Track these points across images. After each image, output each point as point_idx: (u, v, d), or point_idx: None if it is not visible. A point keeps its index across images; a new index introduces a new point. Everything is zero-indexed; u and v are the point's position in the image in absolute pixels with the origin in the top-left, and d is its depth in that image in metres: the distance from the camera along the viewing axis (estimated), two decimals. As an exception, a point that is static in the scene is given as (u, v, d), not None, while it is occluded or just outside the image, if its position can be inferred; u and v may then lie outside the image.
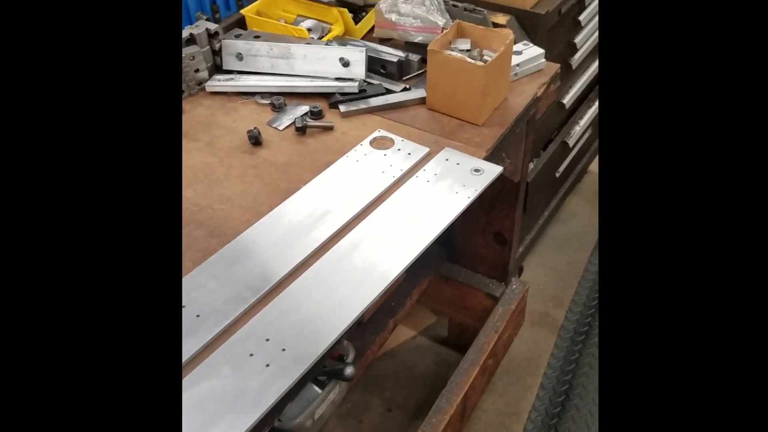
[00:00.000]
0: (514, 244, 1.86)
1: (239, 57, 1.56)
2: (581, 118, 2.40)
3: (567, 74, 2.13)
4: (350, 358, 1.48)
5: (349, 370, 1.40)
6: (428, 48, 1.36)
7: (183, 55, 1.49)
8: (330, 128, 1.43)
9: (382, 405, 2.20)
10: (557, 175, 2.46)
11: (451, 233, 2.01)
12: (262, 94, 1.54)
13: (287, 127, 1.44)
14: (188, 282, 1.06)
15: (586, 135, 2.53)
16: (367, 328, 1.77)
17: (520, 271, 2.59)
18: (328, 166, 1.32)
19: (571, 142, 2.34)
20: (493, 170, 1.25)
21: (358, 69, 1.48)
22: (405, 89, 1.51)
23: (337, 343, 0.97)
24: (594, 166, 3.15)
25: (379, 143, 1.37)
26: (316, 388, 1.48)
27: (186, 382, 0.90)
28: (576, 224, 2.96)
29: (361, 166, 1.30)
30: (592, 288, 2.68)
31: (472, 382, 1.74)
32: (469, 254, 2.00)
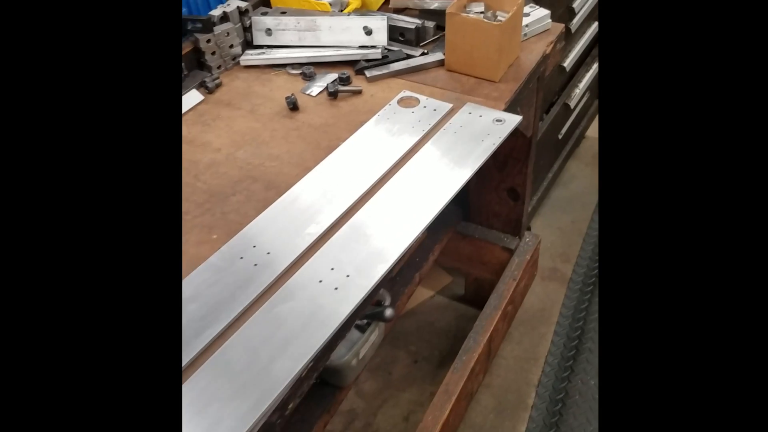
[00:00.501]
0: (526, 198, 2.00)
1: (268, 32, 1.69)
2: (580, 81, 2.54)
3: (567, 38, 2.26)
4: (387, 303, 1.62)
5: (388, 312, 1.54)
6: (447, 11, 1.49)
7: (218, 31, 1.62)
8: (359, 92, 1.56)
9: (408, 357, 2.35)
10: (560, 137, 2.60)
11: (466, 193, 2.15)
12: (293, 65, 1.66)
13: (320, 93, 1.57)
14: (254, 227, 1.19)
15: (585, 98, 2.66)
16: (396, 281, 1.91)
17: (528, 230, 2.74)
18: (362, 125, 1.45)
19: (572, 104, 2.48)
20: (513, 119, 1.39)
21: (381, 36, 1.61)
22: (423, 54, 1.64)
23: (375, 290, 1.09)
24: (591, 132, 3.29)
25: (406, 102, 1.50)
26: (359, 332, 1.62)
27: (270, 302, 1.03)
28: (577, 186, 3.10)
29: (392, 123, 1.43)
30: (596, 244, 2.84)
31: (495, 325, 1.89)
32: (484, 212, 2.14)
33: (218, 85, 1.61)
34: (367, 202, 1.24)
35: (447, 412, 1.62)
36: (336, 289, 1.06)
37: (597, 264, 2.67)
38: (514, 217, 2.06)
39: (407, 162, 1.32)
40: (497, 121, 1.39)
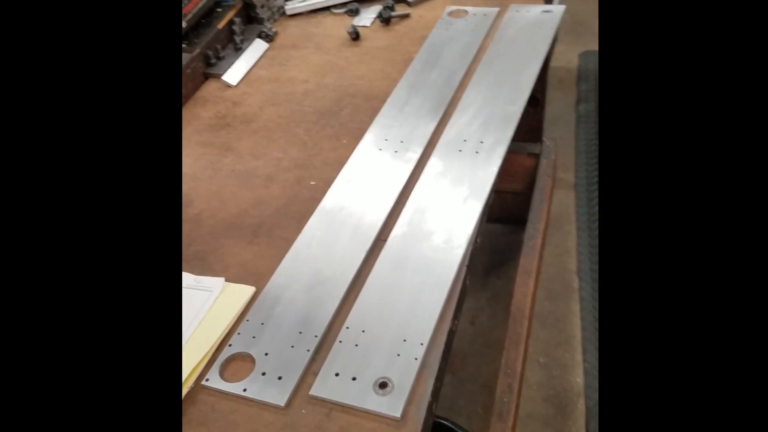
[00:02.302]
0: (545, 103, 2.23)
1: (305, -19, 1.82)
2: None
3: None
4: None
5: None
6: (477, -70, 1.68)
7: (264, -15, 1.74)
8: (407, 16, 1.73)
9: (456, 276, 2.54)
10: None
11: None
12: (335, 6, 1.81)
13: (372, 22, 1.73)
14: (378, 123, 1.34)
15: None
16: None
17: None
18: (424, 39, 1.62)
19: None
20: (560, 8, 1.60)
21: (415, -36, 1.78)
22: (452, -24, 1.83)
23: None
24: (555, 62, 3.58)
25: (456, 14, 1.68)
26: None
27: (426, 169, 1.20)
28: (554, 108, 3.38)
29: (453, 32, 1.61)
30: (587, 153, 3.12)
31: (546, 215, 2.11)
32: (504, 126, 2.35)
33: (275, 34, 1.74)
34: (464, 91, 1.42)
35: (531, 287, 1.83)
36: (477, 153, 1.24)
37: (595, 169, 2.94)
38: (535, 123, 2.28)
39: (483, 57, 1.51)
40: (545, 12, 1.59)
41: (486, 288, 2.47)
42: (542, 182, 2.21)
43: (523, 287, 1.84)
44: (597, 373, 2.10)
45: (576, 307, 2.32)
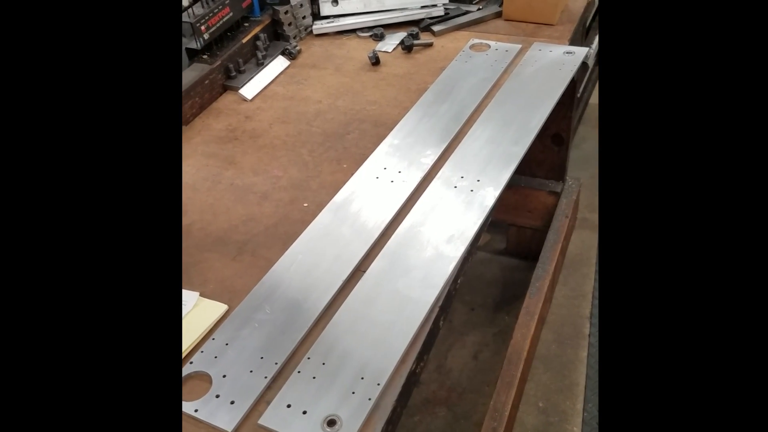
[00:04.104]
0: (570, 143, 2.18)
1: (335, 2, 1.84)
2: (591, 42, 2.75)
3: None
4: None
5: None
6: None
7: (292, 4, 1.77)
8: (430, 45, 1.73)
9: (465, 306, 2.50)
10: (578, 95, 2.80)
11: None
12: (361, 29, 1.82)
13: (394, 49, 1.73)
14: (381, 150, 1.34)
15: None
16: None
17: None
18: (442, 70, 1.61)
19: (590, 63, 2.68)
20: (582, 50, 1.57)
21: (443, -6, 1.78)
22: (479, 9, 1.82)
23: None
24: (593, 99, 3.52)
25: (478, 48, 1.67)
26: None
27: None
28: (589, 147, 3.32)
29: (471, 65, 1.60)
30: (616, 194, 3.04)
31: (557, 256, 2.06)
32: (528, 161, 2.32)
33: (299, 52, 1.76)
34: (472, 126, 1.40)
35: (532, 330, 1.78)
36: (472, 191, 1.22)
37: (622, 210, 2.87)
38: (558, 162, 2.24)
39: (497, 94, 1.49)
40: (567, 53, 1.57)
41: (494, 323, 2.43)
42: (558, 222, 2.17)
43: (524, 329, 1.80)
44: (596, 425, 2.03)
45: (583, 354, 2.25)
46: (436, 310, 1.02)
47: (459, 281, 1.12)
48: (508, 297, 2.57)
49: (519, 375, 1.69)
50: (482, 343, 2.36)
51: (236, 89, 1.61)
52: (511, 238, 2.67)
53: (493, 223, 2.77)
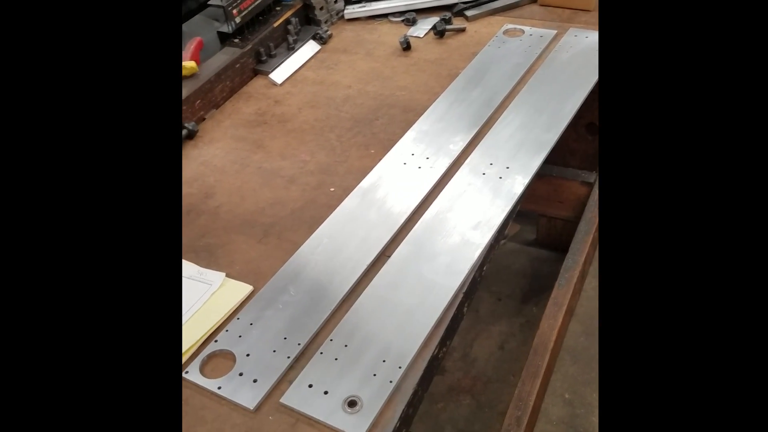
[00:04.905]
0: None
1: (367, -14, 1.83)
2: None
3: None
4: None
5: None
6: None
7: (325, -12, 1.76)
8: (462, 30, 1.70)
9: (492, 297, 2.49)
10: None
11: (542, 133, 2.28)
12: (393, 14, 1.81)
13: (426, 34, 1.72)
14: (409, 136, 1.33)
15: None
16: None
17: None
18: (474, 55, 1.59)
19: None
20: (618, 36, 1.53)
21: (477, -21, 1.75)
22: (515, -7, 1.79)
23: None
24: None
25: (512, 33, 1.64)
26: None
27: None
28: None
29: (504, 51, 1.57)
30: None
31: (588, 248, 2.02)
32: (560, 151, 2.27)
33: (330, 36, 1.76)
34: (503, 113, 1.38)
35: (560, 321, 1.76)
36: (500, 178, 1.21)
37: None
38: (592, 151, 2.19)
39: (530, 80, 1.46)
40: (603, 39, 1.53)
41: (521, 314, 2.41)
42: (590, 213, 2.12)
43: (551, 319, 1.78)
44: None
45: (612, 347, 2.22)
46: (461, 296, 1.01)
47: (485, 269, 1.11)
48: (537, 288, 2.55)
49: (545, 365, 1.67)
50: (508, 333, 2.34)
51: (267, 73, 1.61)
52: (541, 229, 2.63)
53: (523, 213, 2.74)
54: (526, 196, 2.42)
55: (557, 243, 2.60)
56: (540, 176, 2.36)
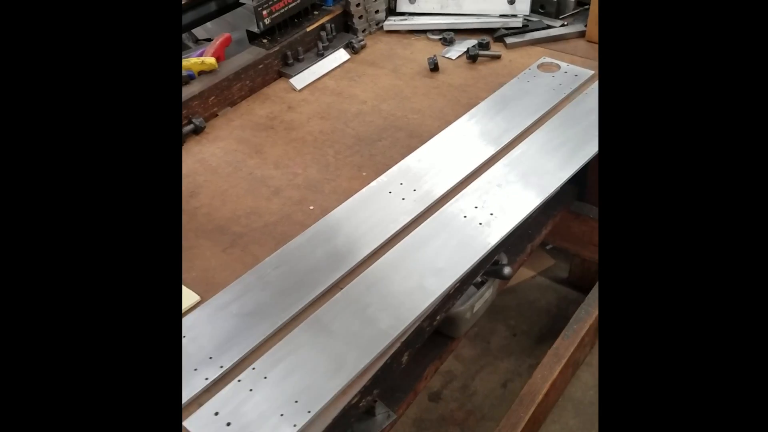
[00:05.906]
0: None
1: (412, 0, 1.78)
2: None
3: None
4: (505, 262, 1.68)
5: (507, 270, 1.60)
6: (594, -18, 1.53)
7: (366, -4, 1.73)
8: (498, 57, 1.63)
9: (507, 330, 2.39)
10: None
11: (585, 171, 2.16)
12: (433, 31, 1.75)
13: (459, 56, 1.65)
14: (404, 164, 1.29)
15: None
16: (509, 249, 1.96)
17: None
18: (501, 86, 1.51)
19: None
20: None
21: (523, 5, 1.67)
22: (563, 25, 1.69)
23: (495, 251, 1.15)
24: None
25: (546, 68, 1.55)
26: (474, 288, 1.70)
27: (422, 227, 1.13)
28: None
29: (533, 85, 1.49)
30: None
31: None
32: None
33: (363, 47, 1.73)
34: (509, 152, 1.31)
35: (556, 374, 1.66)
36: (480, 224, 1.14)
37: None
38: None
39: (549, 121, 1.38)
40: (638, 88, 1.41)
41: (532, 354, 2.30)
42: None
43: (545, 370, 1.68)
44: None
45: (621, 408, 2.08)
46: (398, 344, 0.96)
47: (438, 318, 1.05)
48: (557, 330, 2.41)
49: (527, 418, 1.59)
50: (515, 372, 2.25)
51: (289, 77, 1.61)
52: (574, 268, 2.51)
53: (558, 249, 2.62)
54: (560, 233, 2.32)
55: (589, 286, 2.46)
56: (577, 215, 2.25)
